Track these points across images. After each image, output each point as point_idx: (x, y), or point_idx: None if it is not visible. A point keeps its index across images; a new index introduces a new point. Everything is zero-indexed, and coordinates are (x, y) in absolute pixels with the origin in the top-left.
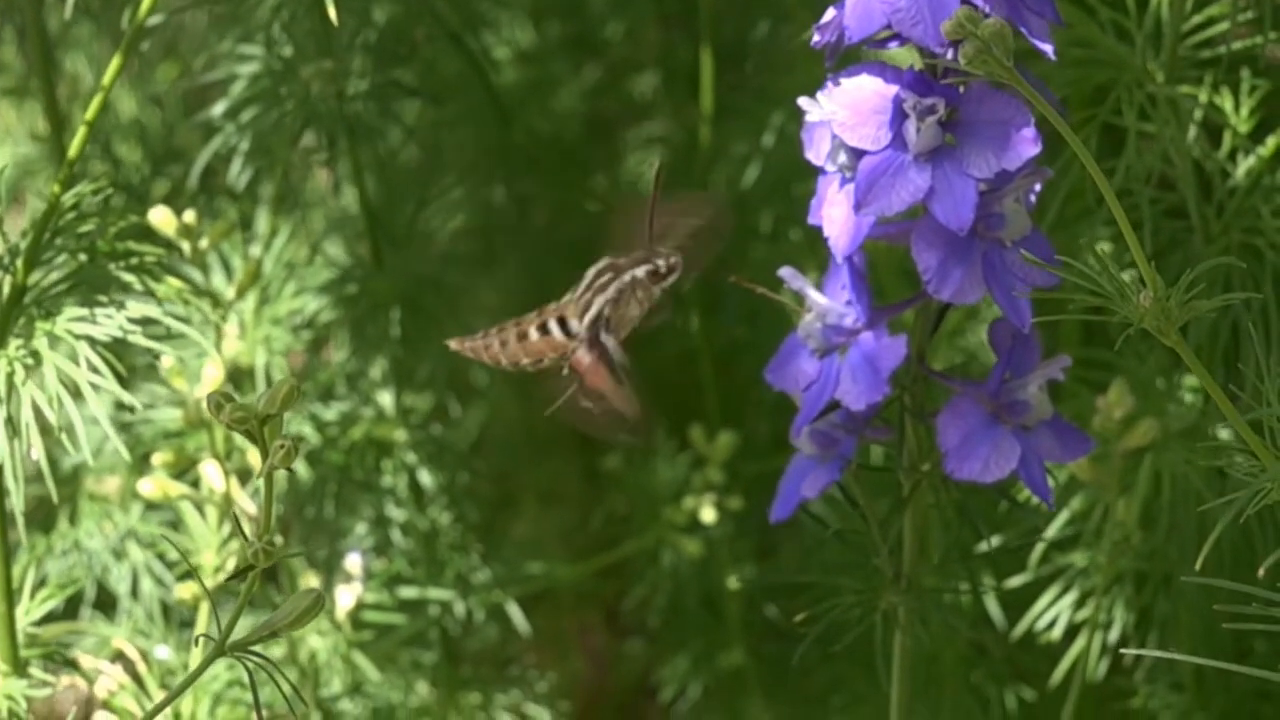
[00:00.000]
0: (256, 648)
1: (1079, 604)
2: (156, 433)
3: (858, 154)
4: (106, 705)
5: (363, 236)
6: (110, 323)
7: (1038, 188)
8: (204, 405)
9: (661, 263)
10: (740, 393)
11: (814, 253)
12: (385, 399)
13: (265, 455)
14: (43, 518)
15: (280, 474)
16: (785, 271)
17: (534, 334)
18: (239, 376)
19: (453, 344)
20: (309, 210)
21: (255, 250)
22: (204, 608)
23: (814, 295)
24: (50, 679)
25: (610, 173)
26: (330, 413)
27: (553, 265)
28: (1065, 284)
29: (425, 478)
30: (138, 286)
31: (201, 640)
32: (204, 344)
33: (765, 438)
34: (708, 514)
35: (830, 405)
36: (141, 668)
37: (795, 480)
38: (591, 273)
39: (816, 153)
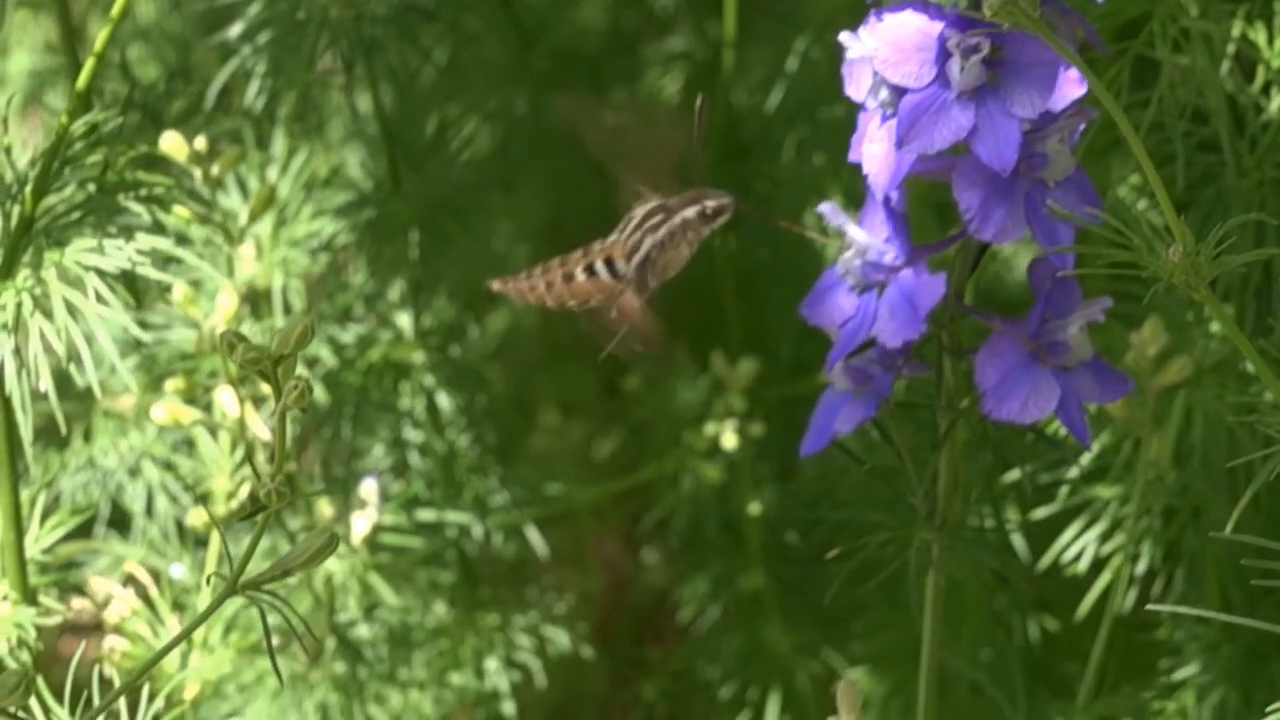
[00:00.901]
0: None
1: (1105, 537)
2: (172, 354)
3: (899, 91)
4: (118, 630)
5: (381, 158)
6: (119, 254)
7: (1081, 127)
8: (217, 331)
9: (711, 203)
10: (761, 316)
11: (837, 177)
12: (403, 321)
13: (279, 396)
14: (56, 435)
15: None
16: (825, 208)
17: (580, 275)
18: (256, 299)
19: (496, 284)
20: (326, 132)
21: (272, 173)
22: (215, 536)
23: (854, 232)
24: (59, 607)
25: (630, 87)
26: (348, 335)
27: (572, 184)
28: (1092, 235)
29: (443, 400)
30: (147, 217)
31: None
32: (214, 274)
33: (786, 362)
34: (729, 440)
35: (866, 343)
36: (154, 591)
37: (828, 414)
38: (640, 212)
39: (857, 89)
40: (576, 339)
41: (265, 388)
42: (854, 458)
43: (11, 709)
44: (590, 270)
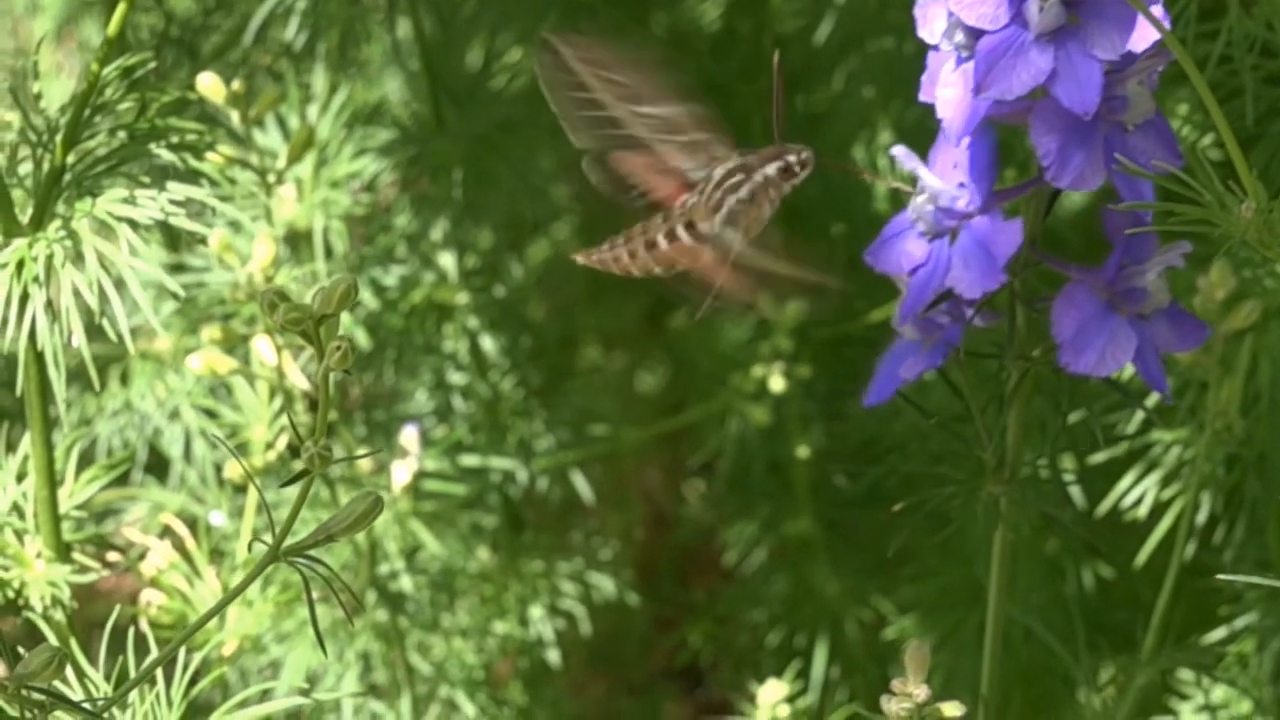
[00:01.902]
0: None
1: (1166, 482)
2: (211, 297)
3: (975, 33)
4: (154, 583)
5: (423, 93)
6: (152, 204)
7: (1160, 68)
8: (254, 279)
9: (793, 159)
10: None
11: (886, 110)
12: (446, 261)
13: (321, 356)
14: (92, 378)
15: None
16: (898, 150)
17: (663, 242)
18: (296, 241)
19: (579, 258)
20: (368, 68)
21: (312, 112)
22: (252, 493)
23: (926, 176)
24: (94, 564)
25: (671, 13)
26: (390, 277)
27: None
28: (1158, 190)
29: (487, 342)
30: (180, 166)
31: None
32: (247, 224)
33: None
34: (777, 383)
35: (943, 294)
36: (190, 544)
37: (894, 363)
38: (720, 172)
39: (930, 31)
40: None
41: None
42: (921, 410)
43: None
44: (672, 235)
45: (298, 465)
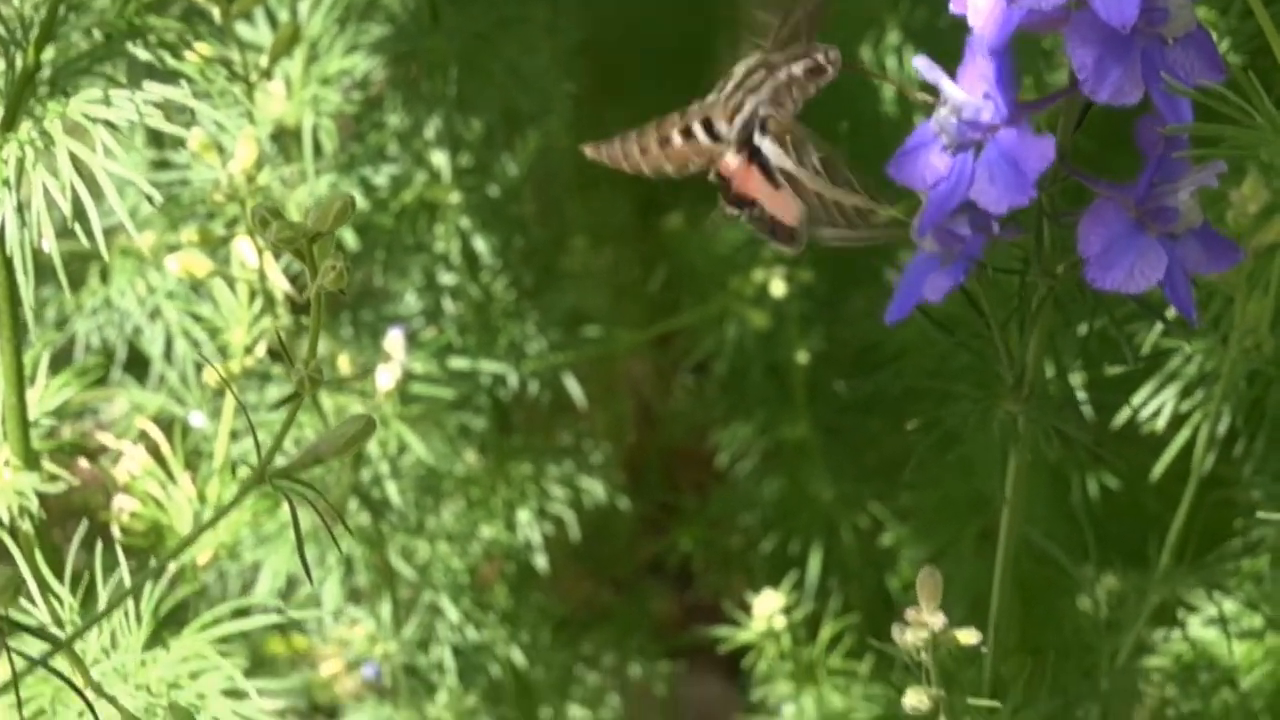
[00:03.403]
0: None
1: (1185, 394)
2: (195, 195)
3: None
4: (128, 489)
5: None
6: (128, 105)
7: None
8: (236, 180)
9: (820, 57)
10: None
11: (895, 9)
12: (439, 160)
13: (314, 276)
14: (71, 274)
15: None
16: (920, 62)
17: (677, 139)
18: (285, 139)
19: (589, 150)
20: None
21: (304, 7)
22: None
23: (948, 87)
24: (64, 473)
25: None
26: (381, 176)
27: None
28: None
29: (479, 242)
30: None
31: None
32: (230, 124)
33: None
34: (778, 288)
35: (964, 206)
36: (166, 449)
37: (915, 279)
38: (741, 70)
39: None
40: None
41: None
42: (941, 327)
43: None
44: (688, 133)
45: (278, 370)
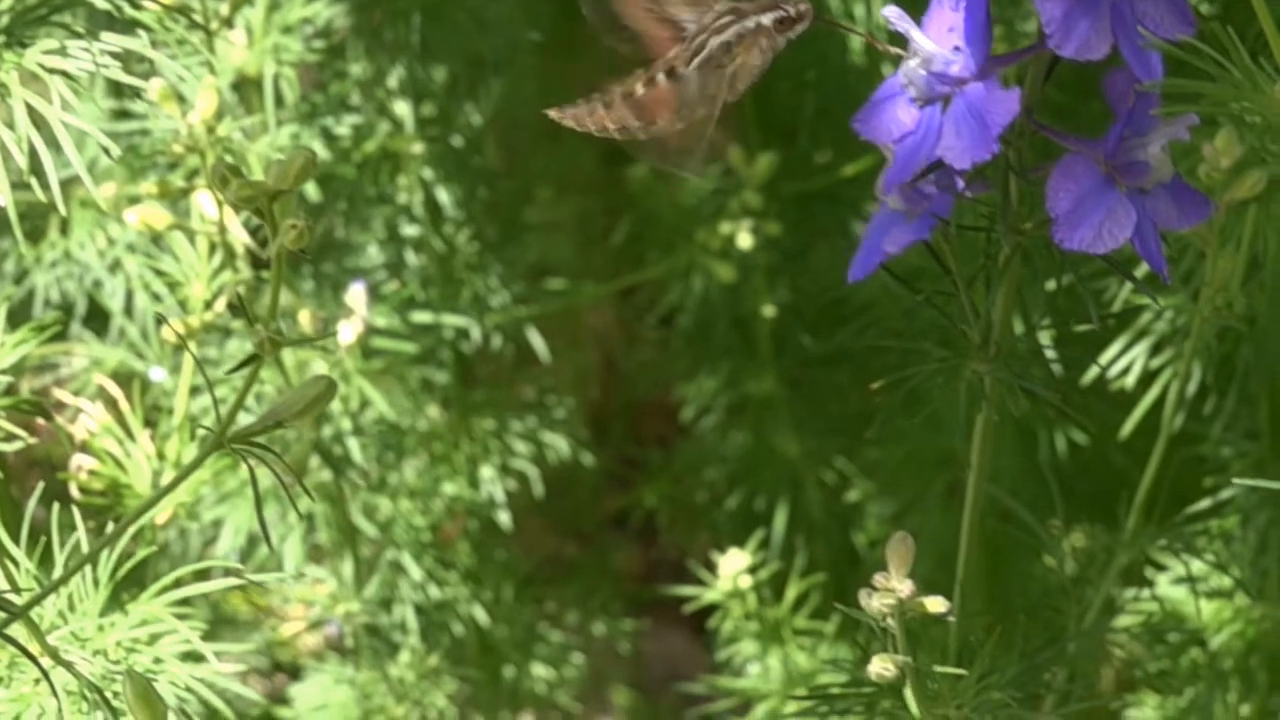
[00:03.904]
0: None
1: (1155, 350)
2: (155, 145)
3: None
4: (86, 447)
5: None
6: (86, 56)
7: None
8: (195, 130)
9: (791, 8)
10: (775, 104)
11: None
12: (402, 109)
13: (274, 235)
14: (31, 227)
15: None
16: (889, 11)
17: (640, 89)
18: (245, 88)
19: (553, 113)
20: None
21: None
22: (191, 349)
23: (919, 39)
24: (21, 432)
25: None
26: (343, 126)
27: None
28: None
29: (442, 194)
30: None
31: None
32: (186, 77)
33: (803, 154)
34: (744, 240)
35: (933, 165)
36: (125, 406)
37: (878, 235)
38: (709, 18)
39: None
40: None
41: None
42: (906, 284)
43: None
44: (652, 82)
45: (238, 325)
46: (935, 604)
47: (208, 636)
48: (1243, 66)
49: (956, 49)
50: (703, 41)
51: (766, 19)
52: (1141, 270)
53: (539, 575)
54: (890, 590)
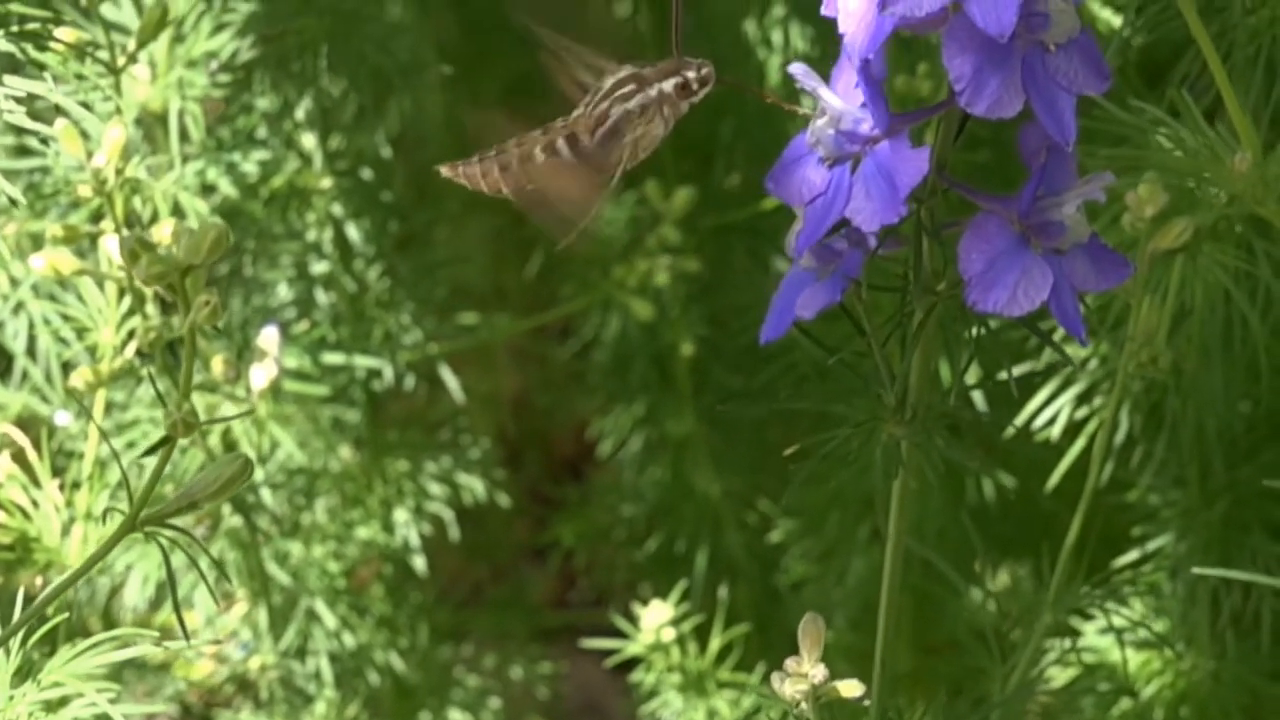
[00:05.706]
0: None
1: (1082, 400)
2: (56, 184)
3: None
4: None
5: None
6: None
7: None
8: (101, 172)
9: (692, 74)
10: (695, 138)
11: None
12: (309, 142)
13: (187, 311)
14: None
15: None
16: (796, 69)
17: (540, 155)
18: (150, 124)
19: (445, 170)
20: None
21: None
22: (100, 396)
23: (828, 97)
24: None
25: None
26: (249, 162)
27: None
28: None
29: (352, 230)
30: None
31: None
32: (88, 119)
33: (721, 187)
34: (662, 278)
35: (839, 224)
36: (32, 455)
37: (790, 296)
38: (610, 82)
39: None
40: (483, 128)
41: (157, 234)
42: (821, 345)
43: None
44: (551, 149)
45: (145, 371)
46: (849, 688)
47: (116, 680)
48: (1201, 136)
49: (864, 105)
50: (605, 110)
51: (669, 85)
52: (1060, 332)
53: (455, 608)
54: (802, 675)
